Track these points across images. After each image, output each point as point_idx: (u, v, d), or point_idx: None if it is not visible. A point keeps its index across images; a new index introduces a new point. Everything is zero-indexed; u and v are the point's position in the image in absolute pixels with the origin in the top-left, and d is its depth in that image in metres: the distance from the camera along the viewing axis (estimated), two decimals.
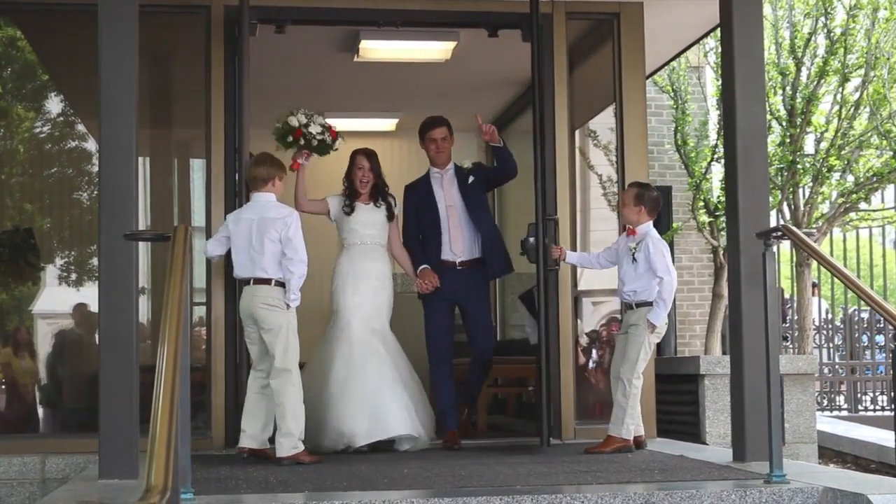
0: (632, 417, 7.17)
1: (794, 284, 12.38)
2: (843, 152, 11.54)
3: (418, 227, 8.12)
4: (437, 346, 7.98)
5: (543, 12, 8.29)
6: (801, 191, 11.71)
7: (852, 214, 12.06)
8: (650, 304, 7.17)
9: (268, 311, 6.76)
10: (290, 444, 6.64)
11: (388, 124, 12.43)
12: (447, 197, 8.04)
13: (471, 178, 8.06)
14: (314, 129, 7.72)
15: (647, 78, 10.15)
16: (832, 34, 11.48)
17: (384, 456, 7.18)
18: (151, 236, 6.13)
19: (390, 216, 8.00)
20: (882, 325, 13.58)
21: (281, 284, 6.80)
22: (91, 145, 8.41)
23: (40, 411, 8.29)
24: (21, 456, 7.59)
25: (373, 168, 8.00)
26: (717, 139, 11.30)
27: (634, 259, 7.21)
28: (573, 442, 7.96)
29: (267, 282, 6.78)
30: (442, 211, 8.01)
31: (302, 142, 7.71)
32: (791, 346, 13.15)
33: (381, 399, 7.53)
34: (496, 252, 8.04)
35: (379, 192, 8.03)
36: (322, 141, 7.76)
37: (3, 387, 8.25)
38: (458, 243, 7.97)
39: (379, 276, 7.88)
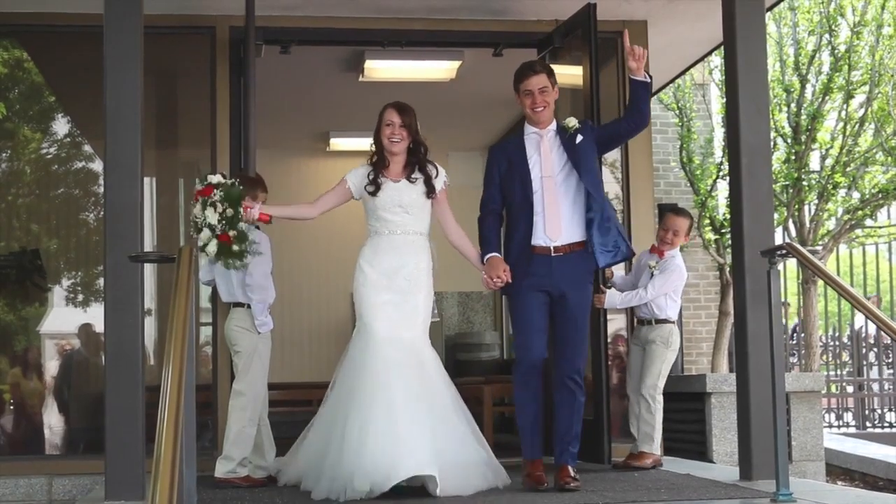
0: (659, 432, 7.27)
1: (801, 301, 12.37)
2: (848, 169, 11.57)
3: (504, 201, 6.39)
4: (526, 351, 6.20)
5: (544, 31, 8.33)
6: (806, 208, 11.74)
7: (858, 231, 12.07)
8: (669, 321, 7.34)
9: (238, 333, 6.73)
10: (227, 469, 6.56)
11: None
12: (545, 165, 6.26)
13: (579, 138, 6.27)
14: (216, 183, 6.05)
15: (652, 96, 10.15)
16: (836, 51, 11.52)
17: None
18: (156, 257, 6.13)
19: (429, 192, 6.35)
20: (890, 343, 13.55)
21: None
22: (98, 166, 8.42)
23: (47, 432, 8.28)
24: (28, 477, 7.60)
25: (406, 125, 6.30)
26: (723, 156, 11.33)
27: (653, 276, 7.30)
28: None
29: (241, 305, 6.76)
30: (536, 183, 6.23)
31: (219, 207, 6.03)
32: (798, 362, 13.13)
33: (404, 430, 5.88)
34: (613, 231, 6.26)
35: (416, 162, 6.39)
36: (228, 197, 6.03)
37: (12, 407, 8.26)
38: (554, 225, 6.20)
39: (411, 274, 6.25)
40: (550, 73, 6.38)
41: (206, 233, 5.90)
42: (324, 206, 6.42)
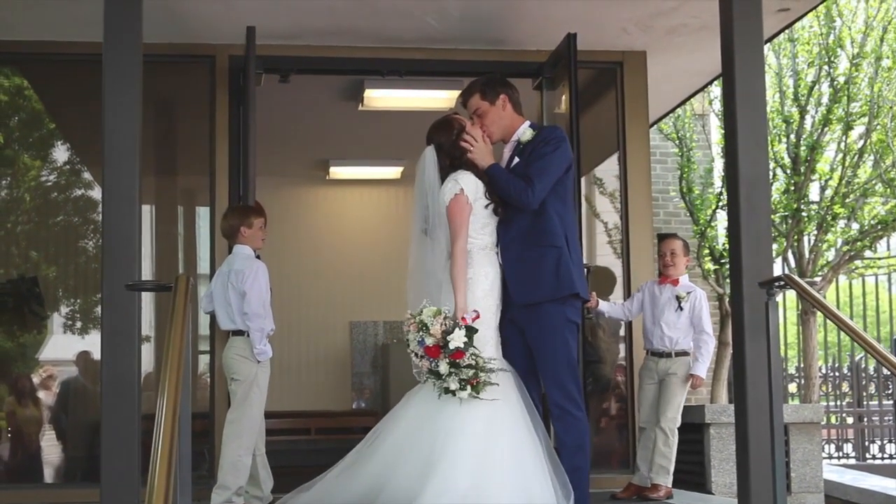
0: (672, 465, 7.26)
1: (801, 332, 12.35)
2: (847, 200, 11.58)
3: None
4: None
5: (539, 61, 8.35)
6: (805, 238, 11.74)
7: (857, 262, 12.07)
8: (687, 353, 7.35)
9: (238, 362, 6.68)
10: (223, 498, 6.52)
11: (394, 172, 12.47)
12: None
13: (515, 160, 5.89)
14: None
15: (652, 125, 10.18)
16: (836, 83, 11.56)
17: None
18: (153, 286, 6.11)
19: None
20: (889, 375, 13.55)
21: None
22: (97, 194, 8.43)
23: (44, 460, 8.25)
24: None
25: None
26: (722, 187, 11.34)
27: (680, 307, 7.30)
28: None
29: (241, 333, 6.73)
30: (492, 206, 5.82)
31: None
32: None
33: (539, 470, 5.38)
34: (523, 267, 5.75)
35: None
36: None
37: (9, 435, 8.23)
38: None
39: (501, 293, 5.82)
40: (485, 92, 5.93)
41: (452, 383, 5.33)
42: (466, 238, 5.68)
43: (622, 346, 8.54)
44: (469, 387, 5.30)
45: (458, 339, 5.30)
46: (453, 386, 5.30)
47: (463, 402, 5.35)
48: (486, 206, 5.71)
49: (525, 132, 5.91)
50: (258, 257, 6.94)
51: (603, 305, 7.53)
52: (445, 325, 5.34)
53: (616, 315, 7.66)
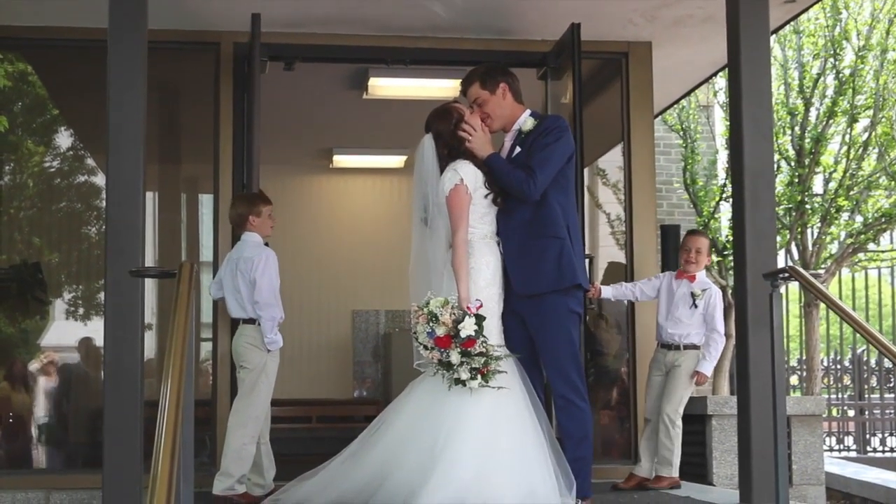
0: (677, 457, 7.29)
1: (803, 324, 12.35)
2: (851, 193, 11.57)
3: None
4: None
5: (544, 51, 8.34)
6: (809, 231, 11.72)
7: (861, 255, 12.05)
8: (696, 347, 7.37)
9: (248, 350, 6.67)
10: (225, 485, 6.51)
11: (397, 161, 12.46)
12: None
13: (516, 150, 5.86)
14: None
15: (656, 117, 10.16)
16: (841, 75, 11.53)
17: None
18: (157, 273, 6.11)
19: None
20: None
21: None
22: (100, 180, 8.44)
23: (45, 446, 8.26)
24: (25, 491, 7.57)
25: None
26: (726, 178, 11.33)
27: (695, 304, 7.34)
28: None
29: (252, 321, 6.73)
30: (491, 196, 5.79)
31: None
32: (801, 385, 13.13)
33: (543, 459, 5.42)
34: (525, 258, 5.73)
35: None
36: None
37: (11, 421, 8.24)
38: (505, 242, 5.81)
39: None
40: (485, 81, 5.89)
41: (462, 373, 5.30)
42: (466, 229, 5.64)
43: (626, 338, 8.53)
44: (479, 376, 5.31)
45: (468, 326, 5.30)
46: (464, 376, 5.29)
47: (466, 393, 5.36)
48: (486, 196, 5.70)
49: (526, 121, 5.89)
50: (266, 244, 6.93)
51: (606, 291, 7.52)
52: (455, 314, 5.33)
53: (623, 296, 7.66)
